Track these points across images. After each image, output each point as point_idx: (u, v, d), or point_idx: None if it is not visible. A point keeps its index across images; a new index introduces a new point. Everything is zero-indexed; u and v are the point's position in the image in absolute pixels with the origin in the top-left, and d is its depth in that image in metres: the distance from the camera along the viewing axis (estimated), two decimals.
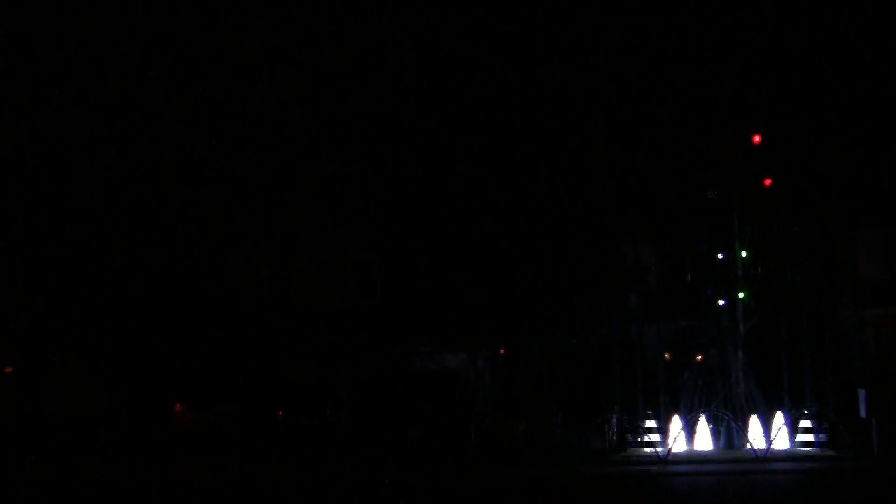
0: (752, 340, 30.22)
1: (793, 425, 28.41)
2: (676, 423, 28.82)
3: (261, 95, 41.50)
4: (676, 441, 28.52)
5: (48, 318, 35.16)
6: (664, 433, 28.78)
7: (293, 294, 39.17)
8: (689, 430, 28.88)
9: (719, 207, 30.37)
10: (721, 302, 29.69)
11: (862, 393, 27.78)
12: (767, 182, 29.35)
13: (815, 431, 28.13)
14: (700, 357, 30.83)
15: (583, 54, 35.76)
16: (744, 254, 29.53)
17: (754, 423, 28.73)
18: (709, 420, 29.06)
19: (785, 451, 28.12)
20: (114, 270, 35.29)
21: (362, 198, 38.36)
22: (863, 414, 27.80)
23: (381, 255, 37.79)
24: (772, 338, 29.81)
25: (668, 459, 27.89)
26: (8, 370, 36.37)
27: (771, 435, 28.25)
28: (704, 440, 29.04)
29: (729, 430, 29.10)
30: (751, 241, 30.15)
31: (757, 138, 29.34)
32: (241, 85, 41.45)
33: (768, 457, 27.58)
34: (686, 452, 28.50)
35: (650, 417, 28.94)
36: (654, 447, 28.39)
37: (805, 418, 28.25)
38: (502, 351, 33.93)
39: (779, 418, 28.46)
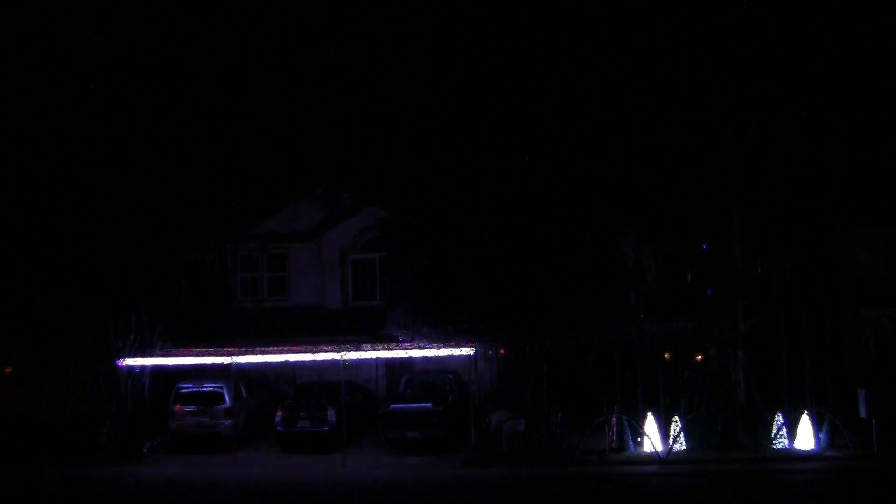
0: (752, 340, 30.21)
1: (793, 425, 28.39)
2: (676, 423, 28.81)
3: (261, 95, 41.59)
4: (676, 441, 28.52)
5: (48, 317, 35.14)
6: (664, 433, 28.78)
7: (292, 294, 39.17)
8: (689, 430, 28.86)
9: (719, 207, 30.38)
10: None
11: (862, 393, 27.73)
12: None
13: (815, 431, 28.10)
14: (700, 357, 30.82)
15: (583, 54, 35.79)
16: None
17: (754, 423, 28.73)
18: (710, 420, 29.04)
19: (785, 451, 28.10)
20: (114, 270, 35.29)
21: (362, 197, 38.37)
22: (863, 414, 27.77)
23: (380, 255, 37.78)
24: (772, 338, 29.78)
25: (668, 459, 27.90)
26: (8, 370, 36.37)
27: (770, 435, 28.26)
28: (705, 440, 29.01)
29: (729, 430, 29.07)
30: (751, 241, 30.18)
31: None
32: (242, 83, 41.54)
33: (768, 457, 27.58)
34: (686, 452, 28.49)
35: (650, 417, 28.93)
36: (654, 447, 28.39)
37: (805, 418, 28.23)
38: (502, 351, 33.89)
39: (778, 418, 28.45)
